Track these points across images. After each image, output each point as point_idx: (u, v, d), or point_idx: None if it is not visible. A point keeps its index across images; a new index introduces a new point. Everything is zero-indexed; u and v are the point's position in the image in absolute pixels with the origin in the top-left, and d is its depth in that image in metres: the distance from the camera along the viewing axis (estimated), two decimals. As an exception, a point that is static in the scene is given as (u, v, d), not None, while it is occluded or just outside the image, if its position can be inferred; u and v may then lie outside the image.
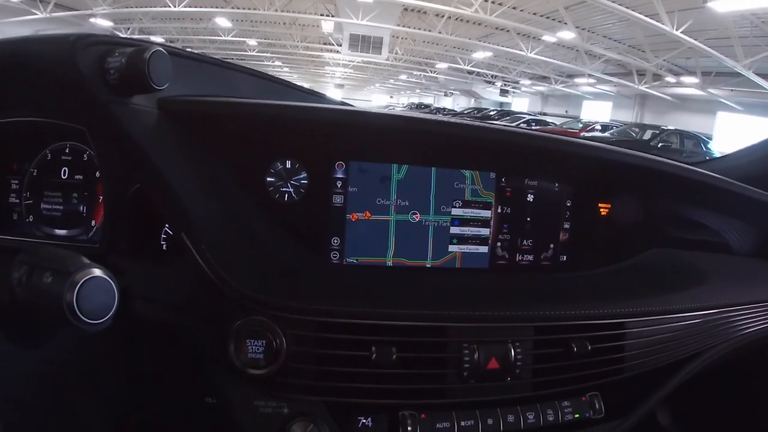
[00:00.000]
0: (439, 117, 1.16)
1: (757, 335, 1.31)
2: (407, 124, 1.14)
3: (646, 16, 13.00)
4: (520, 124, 19.61)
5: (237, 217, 1.08)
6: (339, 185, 1.16)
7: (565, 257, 1.31)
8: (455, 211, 1.22)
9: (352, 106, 1.54)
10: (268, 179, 1.13)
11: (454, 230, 1.22)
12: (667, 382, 1.18)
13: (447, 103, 42.88)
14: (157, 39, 25.05)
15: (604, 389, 1.13)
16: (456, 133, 1.15)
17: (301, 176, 1.15)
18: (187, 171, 1.02)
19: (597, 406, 1.11)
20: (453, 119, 1.17)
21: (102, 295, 0.80)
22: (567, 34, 16.19)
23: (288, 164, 1.14)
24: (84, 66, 0.89)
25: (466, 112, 27.56)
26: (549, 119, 22.84)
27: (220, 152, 1.09)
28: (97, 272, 0.80)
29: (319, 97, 1.53)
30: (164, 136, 1.01)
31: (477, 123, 1.16)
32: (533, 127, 17.94)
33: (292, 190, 1.14)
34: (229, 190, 1.09)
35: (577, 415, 1.09)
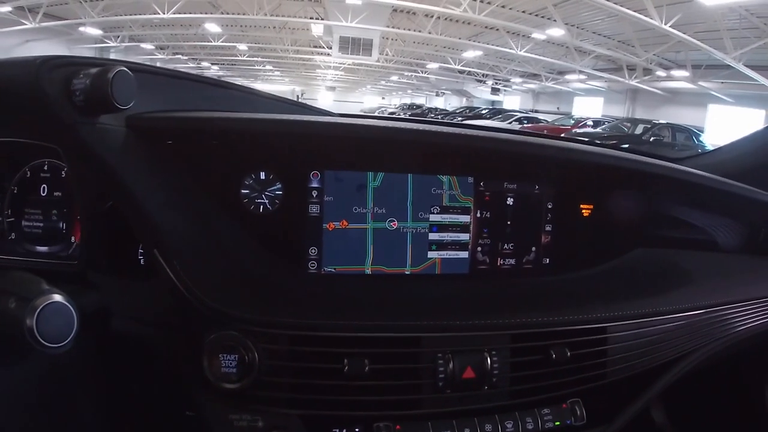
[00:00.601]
0: (414, 124, 1.15)
1: (748, 333, 1.30)
2: (381, 134, 1.14)
3: (635, 11, 13.02)
4: (512, 121, 19.64)
5: (211, 230, 1.08)
6: (315, 195, 1.15)
7: (547, 260, 1.30)
8: (433, 217, 1.21)
9: (328, 113, 1.53)
10: (243, 191, 1.13)
11: (432, 236, 1.21)
12: (652, 386, 1.17)
13: (439, 102, 42.82)
14: (147, 46, 25.12)
15: (586, 395, 1.12)
16: (431, 141, 1.14)
17: (276, 187, 1.14)
18: (158, 187, 1.02)
19: (578, 412, 1.10)
20: (428, 125, 1.16)
21: (61, 319, 0.81)
22: (556, 31, 16.22)
23: (262, 176, 1.14)
24: (50, 88, 0.89)
25: (458, 111, 27.52)
26: (541, 116, 22.79)
27: (192, 166, 1.09)
28: (57, 298, 0.82)
29: (295, 105, 1.52)
30: (133, 154, 1.01)
31: (453, 129, 1.15)
32: (525, 125, 18.01)
33: (267, 201, 1.14)
34: (202, 204, 1.09)
35: (557, 423, 1.08)
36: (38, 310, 0.78)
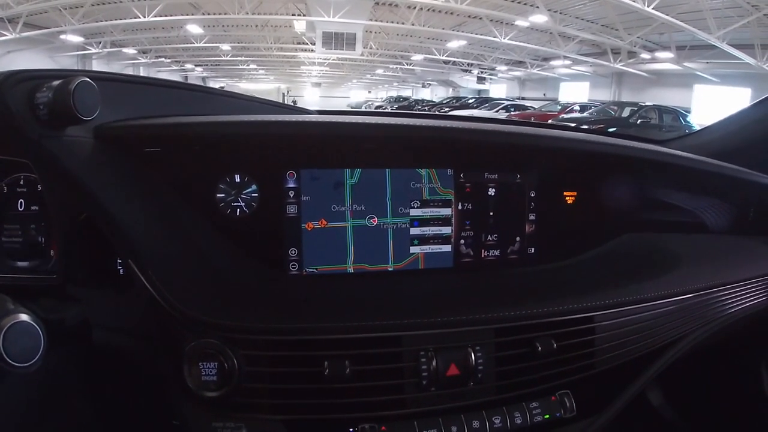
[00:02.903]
0: (389, 119, 1.13)
1: (740, 314, 1.29)
2: (355, 131, 1.12)
3: (617, -6, 13.07)
4: (499, 109, 19.72)
5: (187, 237, 1.07)
6: (291, 195, 1.13)
7: (532, 249, 1.29)
8: (414, 212, 1.19)
9: (304, 111, 1.51)
10: (218, 195, 1.12)
11: (414, 231, 1.19)
12: (643, 374, 1.16)
13: (425, 94, 42.88)
14: (130, 51, 25.07)
15: (576, 386, 1.10)
16: (407, 135, 1.13)
17: (252, 189, 1.13)
18: (131, 196, 1.01)
19: (568, 404, 1.08)
20: (403, 119, 1.14)
21: (28, 339, 0.80)
22: (539, 18, 16.28)
23: (237, 178, 1.12)
24: (13, 104, 0.88)
25: (444, 101, 27.52)
26: (528, 103, 22.88)
27: (165, 173, 1.08)
28: (23, 317, 0.81)
29: (269, 104, 1.50)
30: (102, 165, 1.00)
31: (429, 122, 1.14)
32: (512, 112, 18.04)
33: (243, 204, 1.13)
34: (177, 211, 1.08)
35: (547, 416, 1.06)
36: (3, 330, 0.77)
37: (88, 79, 0.90)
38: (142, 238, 0.98)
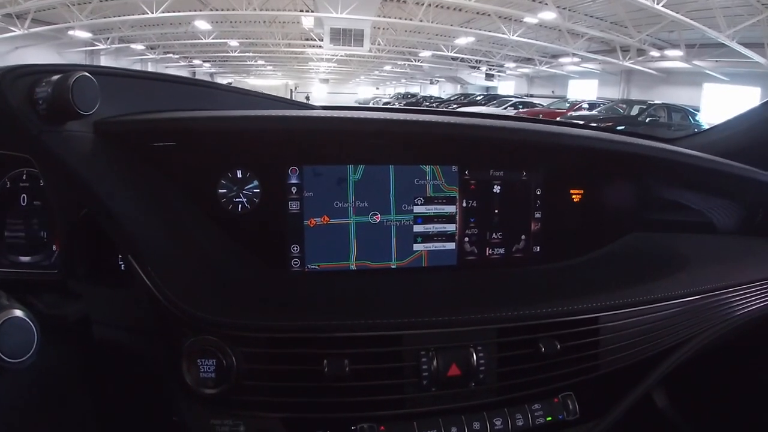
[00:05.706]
0: (393, 114, 1.12)
1: (748, 317, 1.27)
2: (358, 126, 1.12)
3: (626, -9, 13.01)
4: (507, 107, 19.67)
5: (188, 233, 1.06)
6: (294, 191, 1.12)
7: (538, 248, 1.27)
8: (417, 209, 1.18)
9: (308, 106, 1.50)
10: (220, 191, 1.11)
11: (417, 228, 1.18)
12: (648, 376, 1.15)
13: (433, 90, 42.81)
14: (138, 47, 25.14)
15: (579, 388, 1.09)
16: (410, 131, 1.12)
17: (253, 185, 1.12)
18: (131, 192, 1.01)
19: (571, 406, 1.07)
20: (407, 114, 1.13)
21: (21, 335, 0.79)
22: (548, 15, 16.26)
23: (239, 174, 1.11)
24: (13, 99, 0.89)
25: (452, 98, 27.49)
26: (536, 101, 22.82)
27: (165, 168, 1.07)
28: (16, 313, 0.79)
29: (271, 99, 1.49)
30: (102, 160, 1.00)
31: (432, 117, 1.12)
32: (521, 110, 18.01)
33: (245, 200, 1.12)
34: (178, 207, 1.08)
35: (549, 418, 1.05)
36: None
37: (87, 74, 0.90)
38: (142, 233, 0.97)
